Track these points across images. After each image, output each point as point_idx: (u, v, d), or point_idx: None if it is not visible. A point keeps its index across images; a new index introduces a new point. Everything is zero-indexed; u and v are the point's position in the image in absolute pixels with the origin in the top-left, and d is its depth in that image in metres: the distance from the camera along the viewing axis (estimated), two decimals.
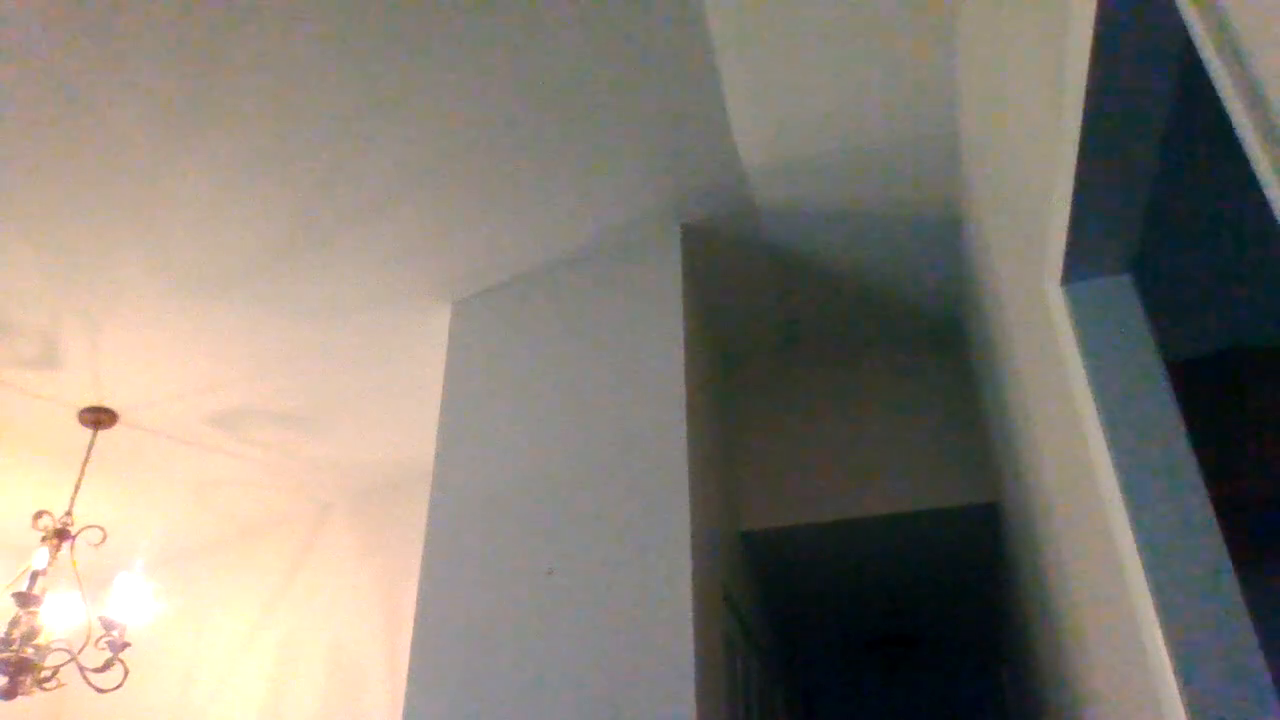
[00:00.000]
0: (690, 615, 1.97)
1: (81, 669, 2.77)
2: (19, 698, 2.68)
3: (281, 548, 4.05)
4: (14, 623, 2.70)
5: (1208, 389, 2.20)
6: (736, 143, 2.29)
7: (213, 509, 4.01)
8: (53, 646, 2.76)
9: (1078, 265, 1.42)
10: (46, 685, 2.74)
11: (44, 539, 2.90)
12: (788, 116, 2.22)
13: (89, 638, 2.87)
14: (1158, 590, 1.21)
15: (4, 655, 2.63)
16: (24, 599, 2.73)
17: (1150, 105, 1.14)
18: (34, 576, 2.79)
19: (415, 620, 2.23)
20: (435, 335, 2.88)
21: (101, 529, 3.09)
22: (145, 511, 3.96)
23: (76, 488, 3.12)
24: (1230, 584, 1.19)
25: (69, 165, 2.19)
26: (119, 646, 2.80)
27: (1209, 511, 1.24)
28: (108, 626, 2.80)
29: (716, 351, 3.07)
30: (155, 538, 4.16)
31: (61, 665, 2.77)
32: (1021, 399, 2.11)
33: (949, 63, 2.08)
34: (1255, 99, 0.70)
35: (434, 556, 2.32)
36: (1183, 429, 1.31)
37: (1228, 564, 1.20)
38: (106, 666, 2.79)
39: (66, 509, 3.00)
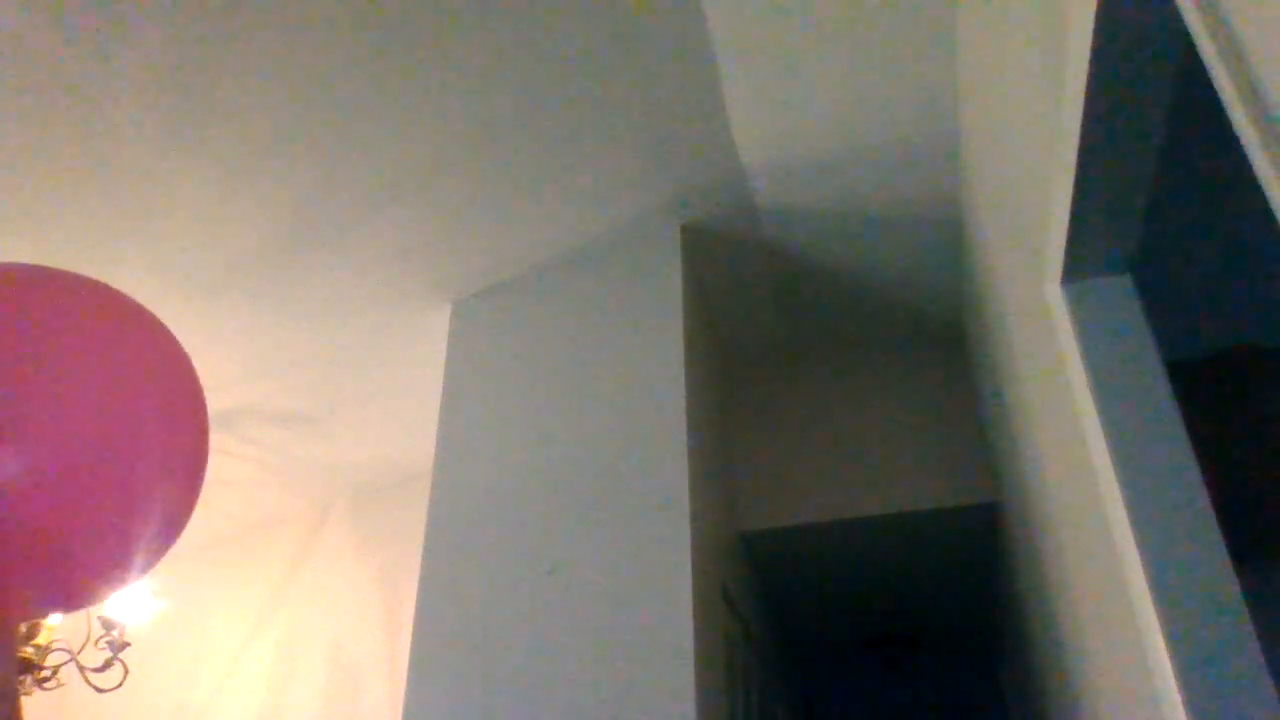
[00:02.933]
0: (690, 615, 1.97)
1: (81, 669, 2.77)
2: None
3: (281, 548, 4.05)
4: None
5: (1208, 389, 2.20)
6: (736, 143, 2.29)
7: (212, 509, 4.01)
8: (52, 646, 2.76)
9: (1078, 265, 1.42)
10: (46, 685, 2.74)
11: None
12: (788, 116, 2.22)
13: (89, 637, 2.87)
14: (1158, 590, 1.21)
15: None
16: None
17: (1150, 105, 1.14)
18: None
19: (415, 620, 2.23)
20: (435, 335, 2.88)
21: None
22: None
23: None
24: (1230, 584, 1.19)
25: (67, 165, 2.19)
26: (119, 646, 2.80)
27: (1209, 511, 1.24)
28: (107, 626, 2.80)
29: (716, 351, 3.07)
30: None
31: (61, 665, 2.77)
32: (1021, 399, 2.11)
33: (949, 63, 2.08)
34: (1255, 99, 0.70)
35: (434, 556, 2.32)
36: (1183, 429, 1.31)
37: (1228, 564, 1.20)
38: (106, 666, 2.79)
39: None
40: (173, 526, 1.05)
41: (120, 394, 0.98)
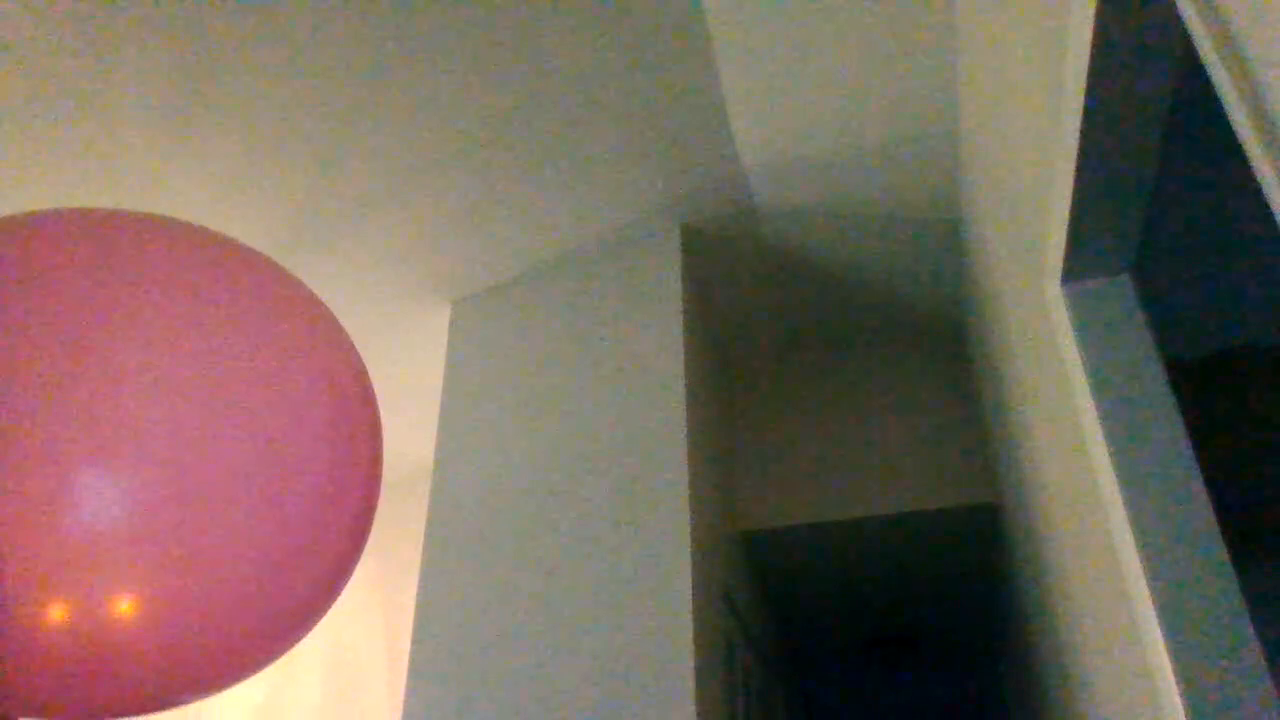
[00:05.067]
0: (690, 615, 1.97)
1: None
2: None
3: None
4: None
5: (1208, 389, 2.20)
6: (736, 143, 2.29)
7: None
8: None
9: (1078, 265, 1.42)
10: None
11: None
12: (788, 116, 2.22)
13: None
14: (1158, 590, 1.21)
15: None
16: None
17: (1150, 105, 1.14)
18: None
19: (415, 620, 2.23)
20: (435, 335, 2.88)
21: None
22: None
23: None
24: (1230, 584, 1.19)
25: (66, 165, 2.19)
26: None
27: (1209, 511, 1.24)
28: None
29: (716, 351, 3.07)
30: None
31: None
32: (1021, 399, 2.11)
33: (949, 63, 2.08)
34: (1255, 99, 0.70)
35: (434, 556, 2.32)
36: (1183, 429, 1.31)
37: (1228, 564, 1.20)
38: None
39: None
40: (321, 602, 0.68)
41: (271, 407, 0.60)
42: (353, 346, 0.74)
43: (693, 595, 2.00)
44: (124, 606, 0.54)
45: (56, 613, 0.51)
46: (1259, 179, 0.70)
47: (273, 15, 1.87)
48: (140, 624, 0.55)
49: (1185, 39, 1.03)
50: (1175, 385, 1.35)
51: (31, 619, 0.51)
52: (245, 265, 0.69)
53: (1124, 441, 1.32)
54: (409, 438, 3.51)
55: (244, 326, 0.63)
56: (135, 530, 0.53)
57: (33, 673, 0.52)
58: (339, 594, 0.72)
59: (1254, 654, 1.14)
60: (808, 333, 3.15)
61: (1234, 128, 0.73)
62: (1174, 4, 0.84)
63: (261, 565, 0.60)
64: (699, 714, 1.87)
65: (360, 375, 0.72)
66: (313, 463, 0.63)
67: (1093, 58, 1.07)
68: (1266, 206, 1.82)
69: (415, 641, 2.20)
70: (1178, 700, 1.15)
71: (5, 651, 0.52)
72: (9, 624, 0.51)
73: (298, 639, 0.68)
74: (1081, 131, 1.17)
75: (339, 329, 0.74)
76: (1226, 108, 0.73)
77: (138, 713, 0.60)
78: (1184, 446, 1.30)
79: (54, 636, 0.52)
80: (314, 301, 0.72)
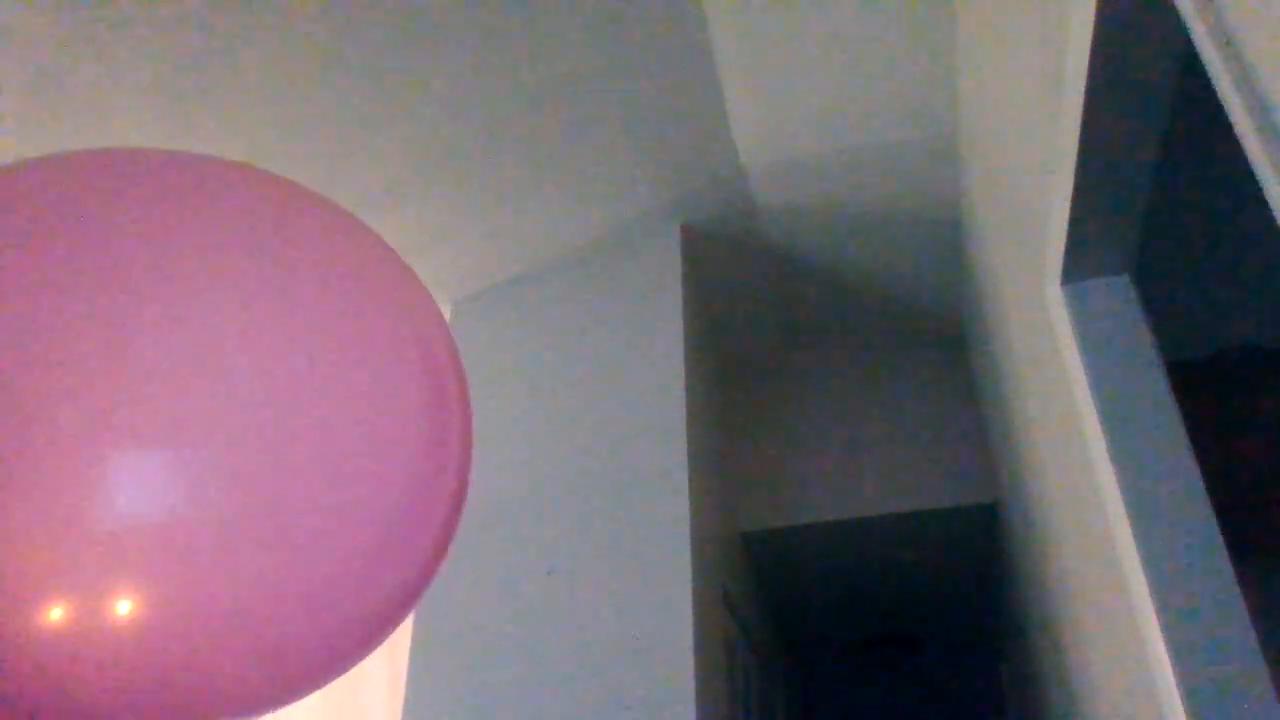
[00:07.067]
0: (690, 615, 1.97)
1: None
2: None
3: None
4: None
5: (1208, 389, 2.20)
6: (736, 143, 2.29)
7: None
8: None
9: (1078, 265, 1.42)
10: None
11: None
12: (788, 116, 2.22)
13: None
14: (1158, 590, 1.21)
15: None
16: None
17: (1150, 105, 1.14)
18: None
19: (415, 620, 2.23)
20: None
21: None
22: None
23: None
24: (1230, 584, 1.19)
25: None
26: None
27: (1209, 511, 1.24)
28: None
29: (716, 351, 3.07)
30: None
31: None
32: (1021, 399, 2.11)
33: (948, 63, 2.08)
34: (1255, 99, 0.70)
35: None
36: (1183, 429, 1.31)
37: (1228, 564, 1.20)
38: None
39: None
40: (401, 608, 0.58)
41: (356, 387, 0.51)
42: (443, 318, 0.59)
43: (692, 595, 2.00)
44: (144, 615, 0.45)
45: (63, 618, 0.44)
46: (1259, 179, 0.70)
47: (273, 15, 1.87)
48: (167, 640, 0.46)
49: (1185, 38, 1.03)
50: (1175, 385, 1.35)
51: (36, 626, 0.44)
52: (326, 216, 0.58)
53: (1124, 441, 1.32)
54: None
55: (327, 286, 0.52)
56: (177, 527, 0.44)
57: (35, 687, 0.46)
58: (412, 608, 0.59)
59: (1254, 654, 1.14)
60: (808, 333, 3.15)
61: (1233, 127, 0.73)
62: (1174, 4, 0.84)
63: (329, 574, 0.49)
64: (699, 714, 1.87)
65: (453, 349, 0.59)
66: (400, 451, 0.52)
67: (1093, 57, 1.07)
68: (1266, 206, 1.81)
69: (415, 641, 2.20)
70: (1177, 700, 1.15)
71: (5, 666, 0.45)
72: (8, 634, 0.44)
73: (361, 657, 0.58)
74: (1081, 131, 1.17)
75: (428, 295, 0.61)
76: (1226, 107, 0.73)
77: None
78: (1184, 446, 1.30)
79: (57, 648, 0.45)
80: (402, 264, 0.60)
